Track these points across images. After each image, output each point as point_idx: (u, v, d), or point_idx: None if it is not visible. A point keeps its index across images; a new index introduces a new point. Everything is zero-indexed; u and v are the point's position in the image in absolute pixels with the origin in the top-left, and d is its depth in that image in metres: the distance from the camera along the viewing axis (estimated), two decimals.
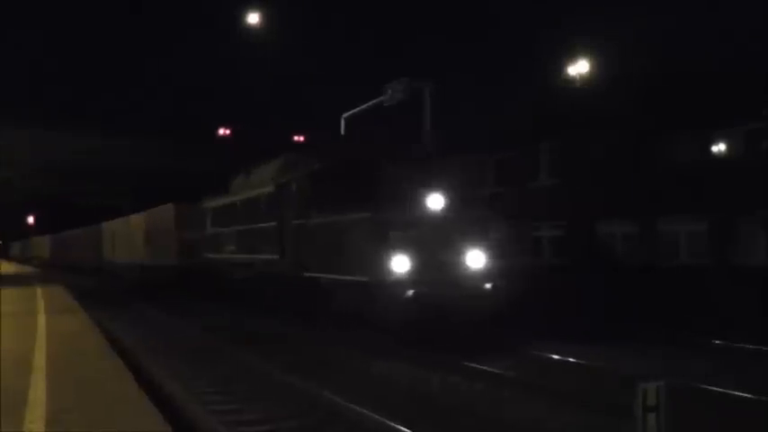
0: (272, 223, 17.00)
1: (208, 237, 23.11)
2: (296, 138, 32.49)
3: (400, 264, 12.50)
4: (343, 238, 13.48)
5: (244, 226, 19.26)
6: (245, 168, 20.94)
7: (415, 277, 12.43)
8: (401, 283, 12.31)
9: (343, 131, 21.57)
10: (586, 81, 22.25)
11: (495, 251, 13.38)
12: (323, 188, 14.86)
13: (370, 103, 16.90)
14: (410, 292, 12.08)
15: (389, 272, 12.44)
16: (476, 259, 13.10)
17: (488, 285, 12.86)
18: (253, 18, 24.39)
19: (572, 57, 22.36)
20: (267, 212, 17.35)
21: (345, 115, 17.81)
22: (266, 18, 24.65)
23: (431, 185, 13.21)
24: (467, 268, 13.04)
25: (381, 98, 16.03)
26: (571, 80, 22.37)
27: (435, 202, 13.10)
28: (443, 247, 12.83)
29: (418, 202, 13.04)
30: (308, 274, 14.89)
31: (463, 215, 13.21)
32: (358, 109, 17.39)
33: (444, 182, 13.28)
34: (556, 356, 11.57)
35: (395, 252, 12.45)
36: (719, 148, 18.90)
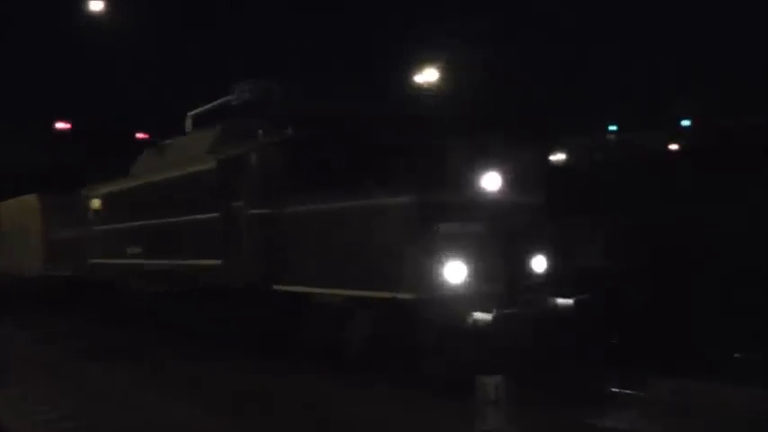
0: (212, 214, 12.03)
1: (94, 236, 17.36)
2: (139, 135, 31.19)
3: (455, 272, 8.46)
4: (351, 234, 9.09)
5: (157, 219, 13.96)
6: (156, 143, 15.66)
7: (477, 292, 8.45)
8: (461, 302, 8.29)
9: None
10: (433, 88, 25.97)
11: (567, 251, 9.73)
12: (306, 163, 10.38)
13: (216, 103, 13.95)
14: (483, 316, 8.10)
15: (441, 284, 8.38)
16: (544, 264, 9.35)
17: (569, 301, 9.16)
18: (96, 5, 22.57)
19: (421, 66, 26.04)
20: (200, 199, 12.32)
21: (191, 114, 14.47)
22: (111, 6, 23.12)
23: (482, 158, 9.28)
24: (538, 277, 9.27)
25: (228, 97, 13.56)
26: (419, 87, 26.00)
27: (491, 182, 9.15)
28: (507, 247, 8.95)
29: (470, 181, 9.06)
30: (280, 288, 10.37)
31: (526, 202, 9.41)
32: (203, 108, 14.43)
33: (499, 154, 9.40)
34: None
35: (447, 255, 8.43)
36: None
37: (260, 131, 11.27)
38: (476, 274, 8.28)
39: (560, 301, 9.04)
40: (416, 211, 8.25)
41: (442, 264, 8.15)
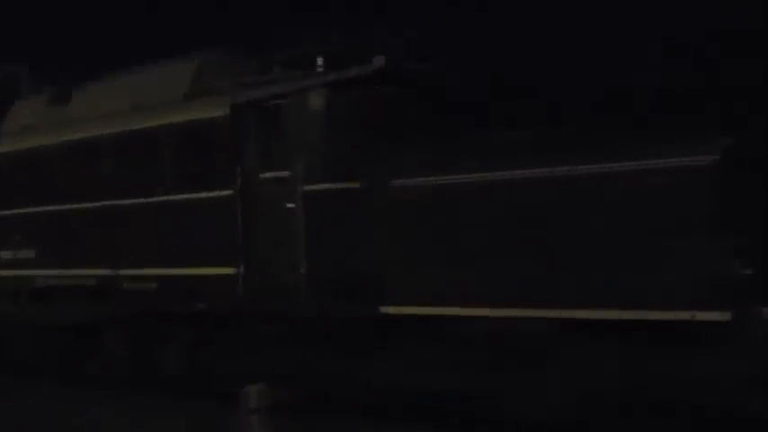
0: (215, 192, 7.34)
1: None
2: None
3: None
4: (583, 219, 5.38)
5: (80, 204, 8.62)
6: (52, 87, 10.09)
7: None
8: None
9: None
10: None
11: None
12: (420, 111, 6.49)
13: None
14: None
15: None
16: None
17: None
18: None
19: None
20: (185, 169, 7.57)
21: None
22: None
23: None
24: None
25: None
26: None
27: None
28: None
29: None
30: (396, 311, 6.36)
31: None
32: None
33: None
34: None
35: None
36: None
37: (319, 61, 7.17)
38: None
39: None
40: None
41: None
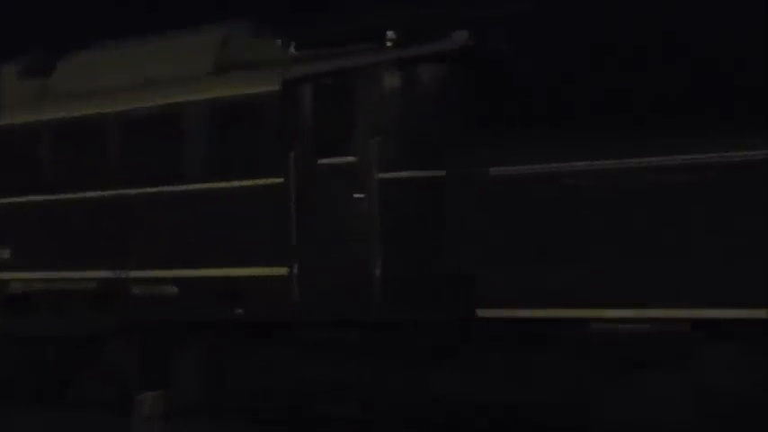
0: (260, 180, 6.26)
1: None
2: None
3: None
4: None
5: (92, 192, 7.15)
6: (25, 57, 8.39)
7: None
8: None
9: None
10: None
11: None
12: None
13: None
14: None
15: None
16: None
17: None
18: None
19: None
20: (221, 153, 6.46)
21: None
22: None
23: None
24: None
25: None
26: None
27: None
28: None
29: None
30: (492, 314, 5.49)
31: None
32: None
33: None
34: None
35: None
36: None
37: (389, 34, 6.28)
38: None
39: None
40: None
41: None
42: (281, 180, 6.25)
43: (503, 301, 5.48)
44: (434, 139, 5.84)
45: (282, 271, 6.22)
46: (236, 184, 6.50)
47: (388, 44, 6.28)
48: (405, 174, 5.89)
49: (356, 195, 6.08)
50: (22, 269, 7.62)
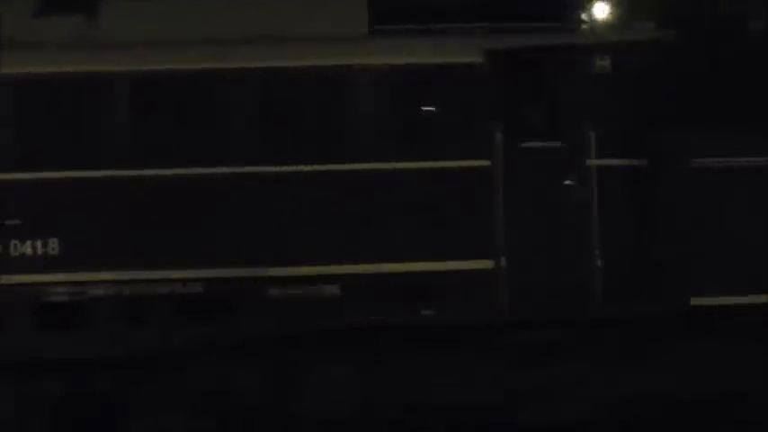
0: (458, 162, 5.24)
1: None
2: None
3: None
4: None
5: (203, 168, 5.13)
6: None
7: None
8: None
9: None
10: None
11: None
12: None
13: None
14: None
15: None
16: None
17: None
18: None
19: None
20: (387, 129, 5.25)
21: None
22: None
23: None
24: None
25: None
26: None
27: None
28: None
29: None
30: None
31: None
32: None
33: None
34: None
35: None
36: None
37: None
38: None
39: None
40: None
41: None
42: (486, 162, 5.57)
43: (715, 288, 5.77)
44: (642, 128, 5.82)
45: (487, 264, 5.54)
46: (423, 165, 5.56)
47: (584, 27, 6.03)
48: (616, 162, 5.75)
49: (566, 182, 5.74)
50: (73, 269, 5.39)
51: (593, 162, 5.72)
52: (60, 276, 5.33)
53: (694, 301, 5.77)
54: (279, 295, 5.53)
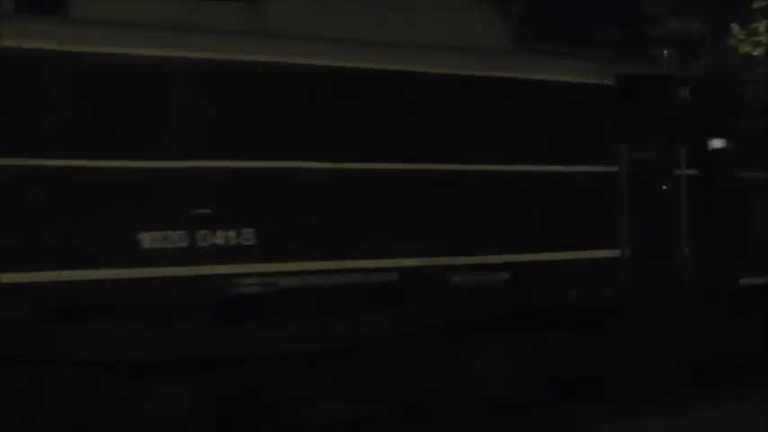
0: (596, 167, 6.24)
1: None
2: None
3: None
4: None
5: (386, 163, 5.39)
6: None
7: None
8: None
9: None
10: None
11: None
12: None
13: None
14: None
15: None
16: None
17: None
18: None
19: None
20: (538, 136, 6.19)
21: None
22: None
23: None
24: None
25: None
26: None
27: None
28: None
29: None
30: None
31: None
32: None
33: None
34: None
35: None
36: None
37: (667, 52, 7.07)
38: None
39: None
40: None
41: None
42: (616, 169, 6.60)
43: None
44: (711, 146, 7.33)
45: (616, 254, 6.58)
46: (569, 169, 6.42)
47: (666, 56, 7.36)
48: (695, 171, 7.16)
49: (663, 187, 7.00)
50: (269, 259, 5.27)
51: (684, 172, 7.17)
52: (252, 267, 5.35)
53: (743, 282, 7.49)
54: (461, 281, 6.09)
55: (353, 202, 5.79)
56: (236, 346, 5.36)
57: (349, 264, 5.74)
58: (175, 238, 5.17)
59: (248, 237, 5.43)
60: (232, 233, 5.41)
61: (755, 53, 9.65)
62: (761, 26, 9.27)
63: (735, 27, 8.71)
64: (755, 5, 9.72)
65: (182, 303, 5.23)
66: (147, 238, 5.05)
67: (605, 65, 6.80)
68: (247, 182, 5.45)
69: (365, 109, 5.85)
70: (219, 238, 5.34)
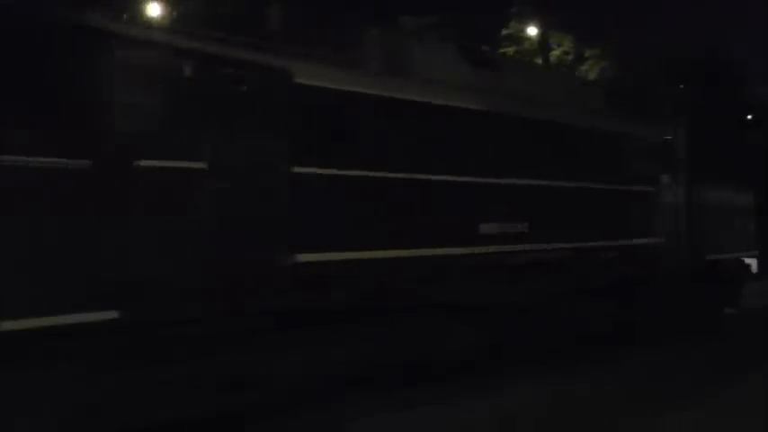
0: (642, 187, 10.45)
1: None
2: None
3: None
4: None
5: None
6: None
7: None
8: None
9: None
10: None
11: None
12: None
13: None
14: None
15: None
16: None
17: None
18: None
19: None
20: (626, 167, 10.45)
21: None
22: None
23: None
24: None
25: None
26: None
27: None
28: None
29: None
30: None
31: None
32: None
33: None
34: None
35: None
36: None
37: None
38: None
39: None
40: None
41: None
42: (653, 189, 10.90)
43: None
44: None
45: (659, 240, 10.57)
46: (625, 187, 10.52)
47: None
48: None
49: (669, 201, 11.14)
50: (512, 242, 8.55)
51: (684, 188, 11.40)
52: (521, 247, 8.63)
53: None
54: (595, 257, 9.62)
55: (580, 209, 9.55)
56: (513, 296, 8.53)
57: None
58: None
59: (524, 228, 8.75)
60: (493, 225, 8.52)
61: None
62: None
63: None
64: None
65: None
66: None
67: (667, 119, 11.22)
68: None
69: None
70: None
